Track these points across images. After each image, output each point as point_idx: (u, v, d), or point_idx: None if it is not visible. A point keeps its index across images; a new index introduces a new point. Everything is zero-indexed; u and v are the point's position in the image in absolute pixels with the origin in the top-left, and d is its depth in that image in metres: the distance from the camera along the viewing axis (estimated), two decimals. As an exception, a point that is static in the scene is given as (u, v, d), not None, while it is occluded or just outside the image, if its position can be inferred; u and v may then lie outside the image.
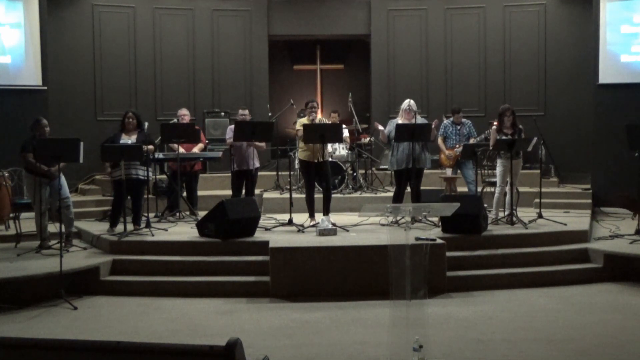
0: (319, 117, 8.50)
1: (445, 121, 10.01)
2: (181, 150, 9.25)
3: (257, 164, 9.03)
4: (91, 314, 6.11)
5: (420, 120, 8.49)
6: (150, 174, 8.27)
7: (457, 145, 9.57)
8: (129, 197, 8.07)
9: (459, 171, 9.70)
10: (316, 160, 8.16)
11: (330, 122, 9.49)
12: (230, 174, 9.22)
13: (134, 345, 1.89)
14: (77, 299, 6.44)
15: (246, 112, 9.17)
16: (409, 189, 8.54)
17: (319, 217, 8.05)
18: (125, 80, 12.24)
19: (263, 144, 8.93)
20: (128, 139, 8.07)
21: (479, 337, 5.23)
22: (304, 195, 8.66)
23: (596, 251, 7.33)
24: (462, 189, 9.81)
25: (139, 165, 8.02)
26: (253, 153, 8.74)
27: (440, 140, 9.84)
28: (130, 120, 8.16)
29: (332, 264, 6.64)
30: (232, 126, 8.86)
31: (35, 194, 7.57)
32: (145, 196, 8.42)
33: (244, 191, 8.93)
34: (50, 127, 7.89)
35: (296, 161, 9.85)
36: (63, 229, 7.12)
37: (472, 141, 9.50)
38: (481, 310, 6.03)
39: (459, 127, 9.75)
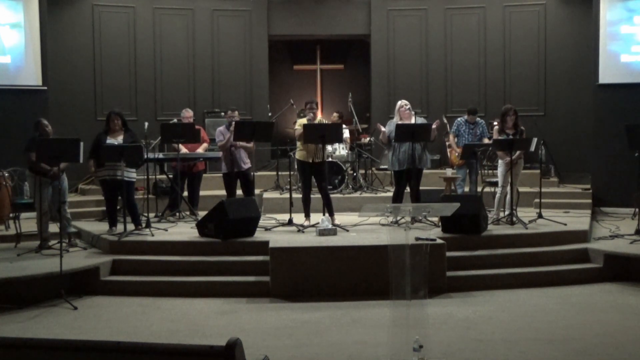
0: (319, 117, 8.48)
1: (458, 119, 9.94)
2: (185, 150, 9.25)
3: (249, 164, 8.99)
4: (91, 314, 6.11)
5: (418, 120, 8.47)
6: (135, 175, 8.05)
7: None
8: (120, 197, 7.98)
9: (467, 171, 9.57)
10: (311, 160, 8.14)
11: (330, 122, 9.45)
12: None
13: (134, 345, 1.90)
14: (77, 299, 6.44)
15: (235, 113, 9.04)
16: (407, 189, 8.53)
17: (315, 217, 8.04)
18: (125, 80, 12.24)
19: (251, 145, 8.87)
20: (114, 140, 7.90)
21: (479, 337, 5.22)
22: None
23: (596, 251, 7.33)
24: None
25: (124, 166, 7.75)
26: (243, 154, 8.74)
27: (451, 138, 9.78)
28: (116, 121, 7.98)
29: (332, 264, 6.64)
30: (222, 128, 8.84)
31: (35, 193, 7.56)
32: (142, 196, 8.33)
33: (239, 192, 8.88)
34: (51, 127, 7.86)
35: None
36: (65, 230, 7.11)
37: (485, 141, 9.47)
38: (481, 310, 6.03)
39: (472, 127, 9.70)
